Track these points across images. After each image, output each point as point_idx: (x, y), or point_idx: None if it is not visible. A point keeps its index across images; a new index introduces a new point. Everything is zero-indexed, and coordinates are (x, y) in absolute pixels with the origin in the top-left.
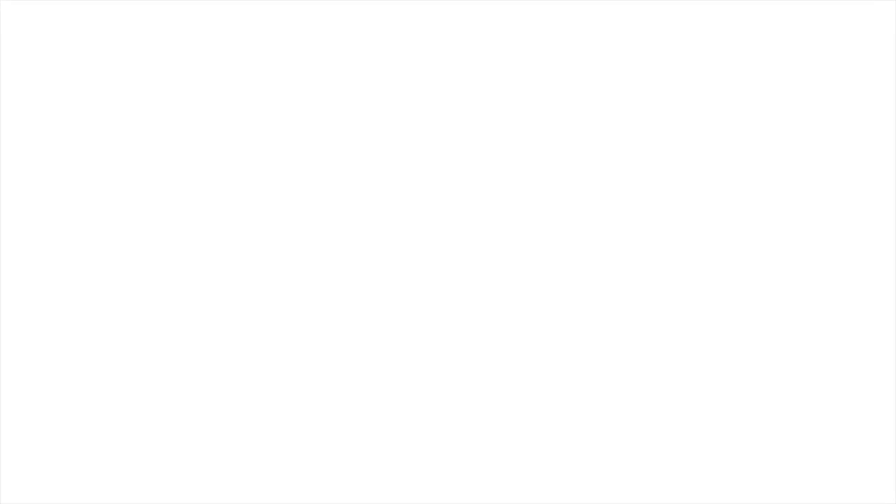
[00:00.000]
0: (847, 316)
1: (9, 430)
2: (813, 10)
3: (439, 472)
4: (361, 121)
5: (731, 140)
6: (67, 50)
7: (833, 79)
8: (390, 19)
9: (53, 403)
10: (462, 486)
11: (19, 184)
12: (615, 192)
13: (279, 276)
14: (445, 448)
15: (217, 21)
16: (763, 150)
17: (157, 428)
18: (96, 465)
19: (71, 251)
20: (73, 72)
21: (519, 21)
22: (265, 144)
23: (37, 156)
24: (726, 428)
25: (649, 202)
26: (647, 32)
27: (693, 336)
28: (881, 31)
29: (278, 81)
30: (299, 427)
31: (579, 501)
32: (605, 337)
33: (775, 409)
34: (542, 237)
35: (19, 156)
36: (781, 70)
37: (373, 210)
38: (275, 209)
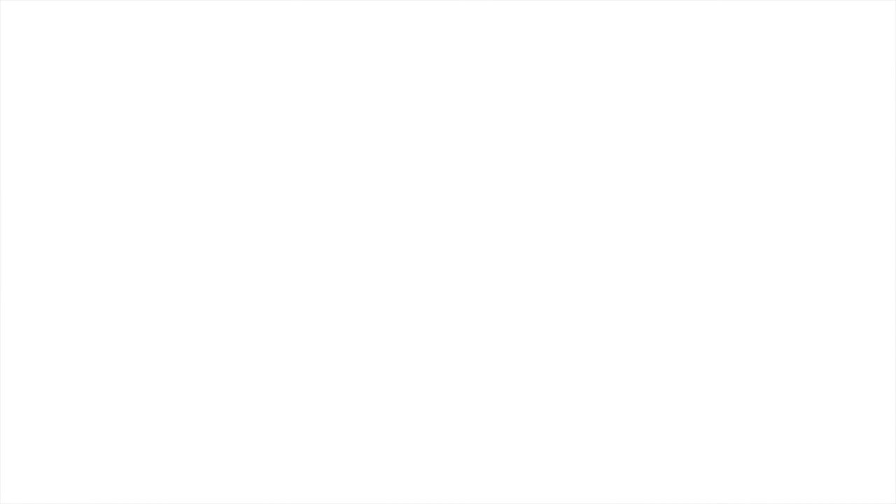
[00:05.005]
0: (847, 316)
1: (9, 430)
2: (813, 10)
3: (439, 473)
4: (361, 121)
5: (731, 140)
6: (67, 50)
7: (833, 79)
8: (390, 19)
9: (53, 403)
10: (462, 486)
11: (19, 184)
12: (615, 193)
13: (279, 276)
14: (445, 450)
15: (217, 21)
16: (763, 150)
17: (156, 428)
18: (96, 466)
19: (71, 251)
20: (73, 72)
21: (519, 21)
22: (265, 144)
23: (37, 156)
24: (726, 428)
25: (649, 202)
26: (646, 32)
27: (692, 336)
28: (881, 31)
29: (278, 81)
30: (299, 428)
31: (579, 501)
32: (605, 337)
33: (775, 410)
34: (542, 237)
35: (19, 156)
36: (781, 70)
37: (373, 210)
38: (275, 209)
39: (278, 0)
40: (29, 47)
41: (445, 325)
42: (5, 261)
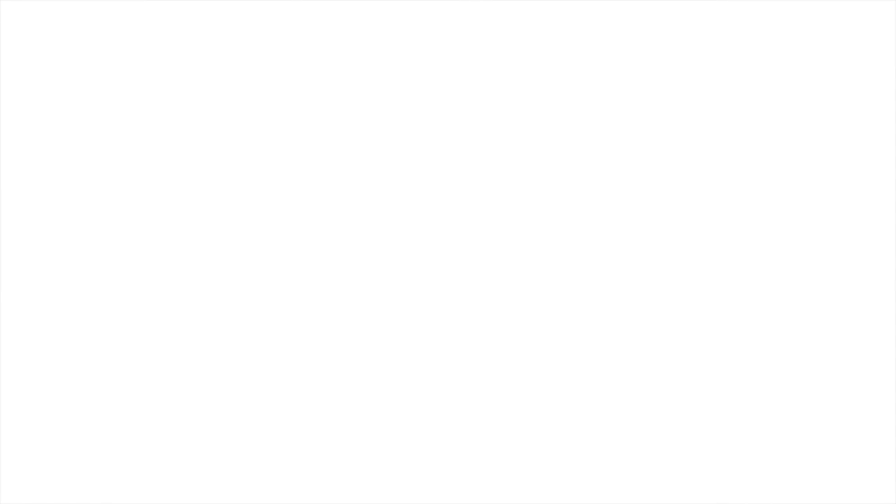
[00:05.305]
0: (847, 316)
1: (9, 430)
2: (813, 10)
3: (439, 472)
4: (361, 121)
5: (732, 140)
6: (67, 50)
7: (833, 79)
8: (390, 19)
9: (53, 403)
10: (462, 486)
11: (19, 184)
12: (615, 193)
13: (279, 276)
14: (445, 449)
15: (217, 21)
16: (763, 150)
17: (157, 428)
18: (96, 466)
19: (71, 251)
20: (73, 72)
21: (519, 21)
22: (265, 145)
23: (37, 156)
24: (726, 428)
25: (649, 202)
26: (647, 32)
27: (693, 336)
28: (881, 31)
29: (278, 81)
30: (299, 427)
31: (579, 501)
32: (606, 337)
33: (775, 409)
34: (542, 237)
35: (19, 156)
36: (781, 70)
37: (373, 210)
38: (275, 209)
39: (278, 0)
40: (29, 47)
41: (445, 324)
42: (5, 261)
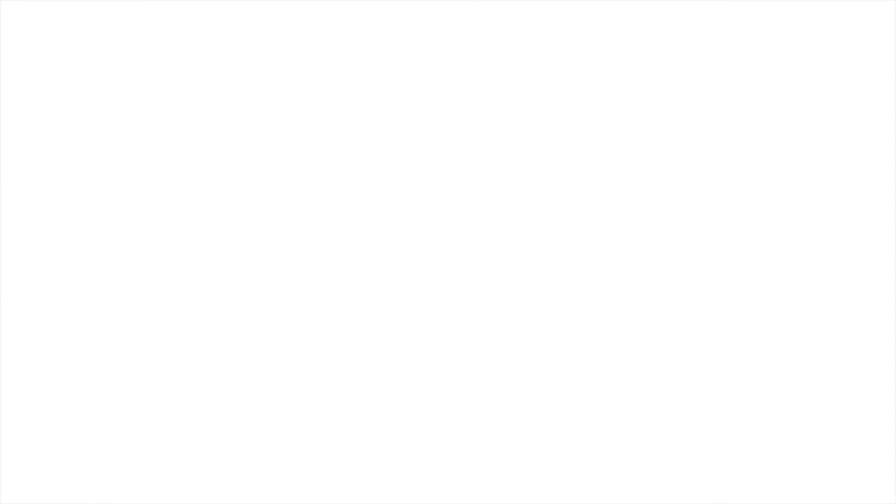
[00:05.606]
0: (847, 316)
1: (9, 430)
2: (813, 10)
3: (439, 472)
4: (361, 121)
5: (732, 140)
6: (67, 50)
7: (833, 79)
8: (390, 19)
9: (53, 404)
10: (462, 486)
11: (19, 184)
12: (615, 193)
13: (279, 276)
14: (445, 449)
15: (217, 21)
16: (763, 151)
17: (157, 428)
18: (96, 466)
19: (71, 251)
20: (73, 72)
21: (519, 21)
22: (265, 145)
23: (37, 156)
24: (726, 428)
25: (649, 202)
26: (647, 32)
27: (693, 336)
28: (881, 31)
29: (278, 81)
30: (299, 427)
31: (579, 501)
32: (606, 337)
33: (775, 409)
34: (542, 237)
35: (19, 156)
36: (781, 70)
37: (373, 210)
38: (275, 209)
39: (278, 0)
40: (29, 47)
41: (445, 325)
42: (5, 261)
